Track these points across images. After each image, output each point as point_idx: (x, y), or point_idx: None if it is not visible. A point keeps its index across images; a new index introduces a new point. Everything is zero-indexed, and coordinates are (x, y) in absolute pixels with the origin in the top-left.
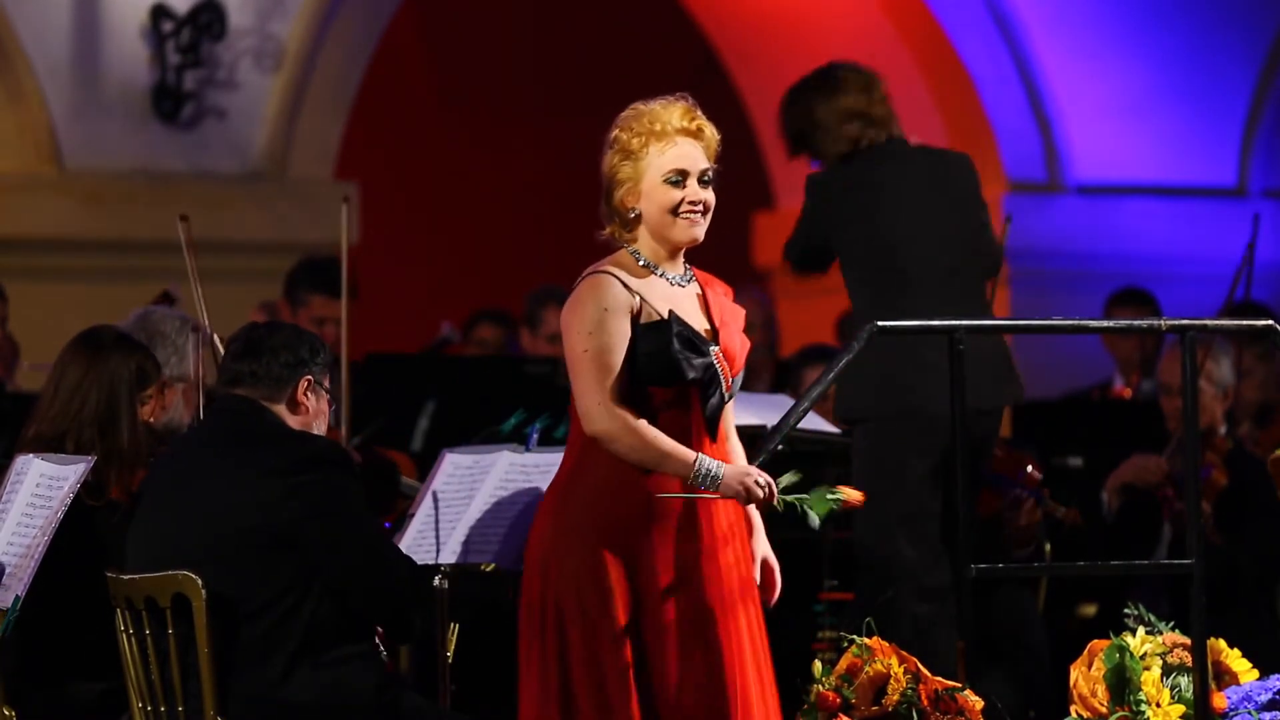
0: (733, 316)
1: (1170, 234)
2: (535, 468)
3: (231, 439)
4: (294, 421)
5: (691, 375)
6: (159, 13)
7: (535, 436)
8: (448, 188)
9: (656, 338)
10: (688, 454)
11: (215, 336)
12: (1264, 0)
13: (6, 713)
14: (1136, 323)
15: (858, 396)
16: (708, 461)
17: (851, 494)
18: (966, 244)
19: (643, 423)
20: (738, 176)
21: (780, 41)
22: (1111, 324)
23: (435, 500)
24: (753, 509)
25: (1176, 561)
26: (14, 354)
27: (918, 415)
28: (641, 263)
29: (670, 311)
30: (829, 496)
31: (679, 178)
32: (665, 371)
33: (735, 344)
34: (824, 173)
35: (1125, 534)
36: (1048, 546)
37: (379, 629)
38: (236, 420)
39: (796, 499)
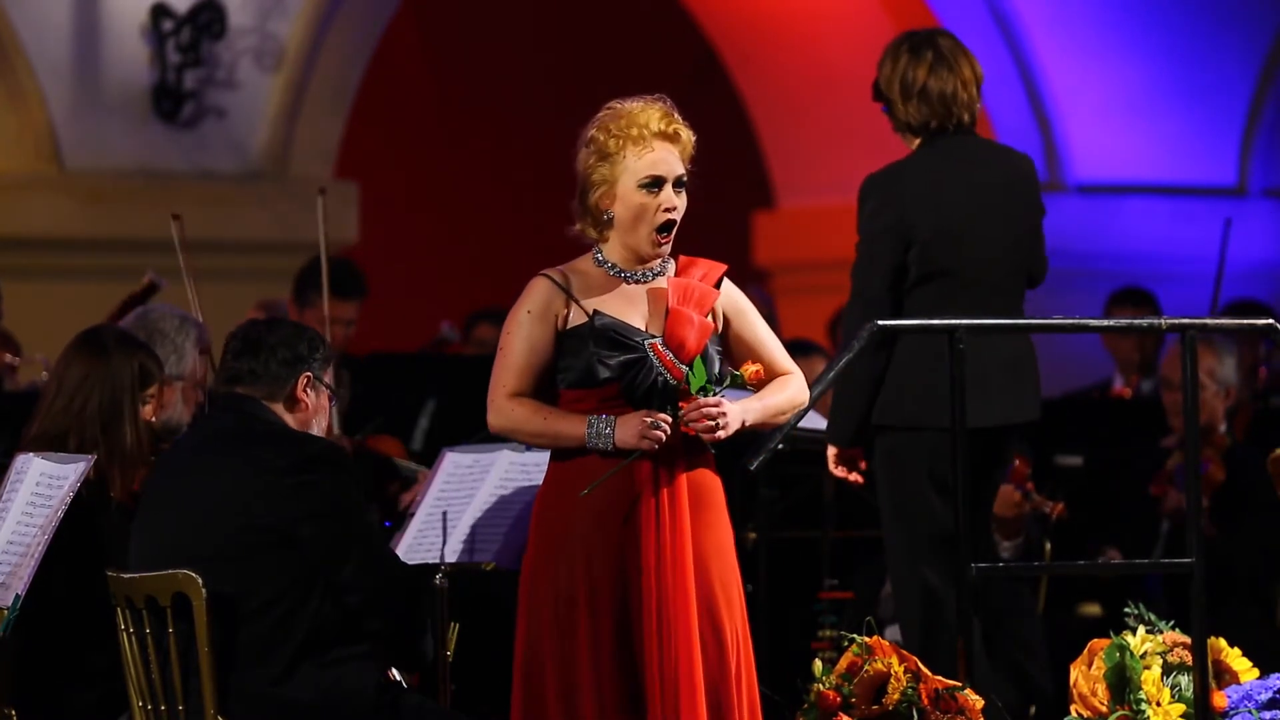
0: (698, 299)
1: (1170, 234)
2: (535, 466)
3: (231, 438)
4: (293, 419)
5: (605, 375)
6: (159, 12)
7: None
8: (448, 188)
9: (575, 342)
10: (579, 424)
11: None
12: (1264, 0)
13: (6, 712)
14: (1136, 322)
15: (901, 403)
16: (598, 422)
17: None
18: (1023, 251)
19: (534, 407)
20: (738, 176)
21: (780, 41)
22: (1111, 323)
23: (436, 500)
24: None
25: (1176, 560)
26: (14, 352)
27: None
28: (603, 265)
29: (594, 311)
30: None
31: (654, 184)
32: (583, 375)
33: (688, 332)
34: (884, 172)
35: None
36: (1047, 546)
37: (391, 666)
38: (236, 419)
39: (708, 388)
